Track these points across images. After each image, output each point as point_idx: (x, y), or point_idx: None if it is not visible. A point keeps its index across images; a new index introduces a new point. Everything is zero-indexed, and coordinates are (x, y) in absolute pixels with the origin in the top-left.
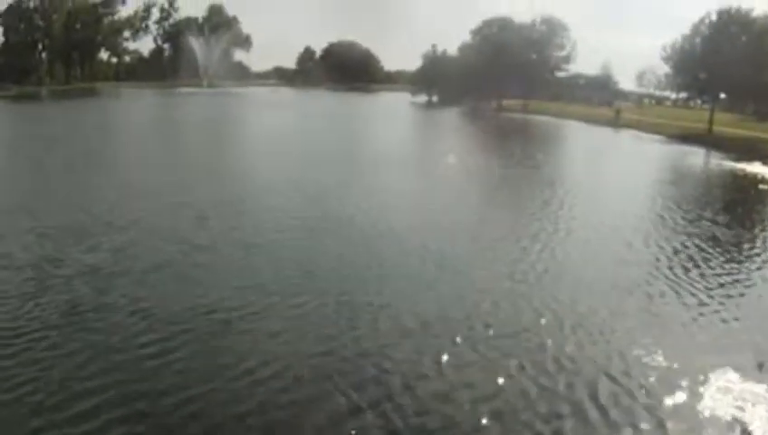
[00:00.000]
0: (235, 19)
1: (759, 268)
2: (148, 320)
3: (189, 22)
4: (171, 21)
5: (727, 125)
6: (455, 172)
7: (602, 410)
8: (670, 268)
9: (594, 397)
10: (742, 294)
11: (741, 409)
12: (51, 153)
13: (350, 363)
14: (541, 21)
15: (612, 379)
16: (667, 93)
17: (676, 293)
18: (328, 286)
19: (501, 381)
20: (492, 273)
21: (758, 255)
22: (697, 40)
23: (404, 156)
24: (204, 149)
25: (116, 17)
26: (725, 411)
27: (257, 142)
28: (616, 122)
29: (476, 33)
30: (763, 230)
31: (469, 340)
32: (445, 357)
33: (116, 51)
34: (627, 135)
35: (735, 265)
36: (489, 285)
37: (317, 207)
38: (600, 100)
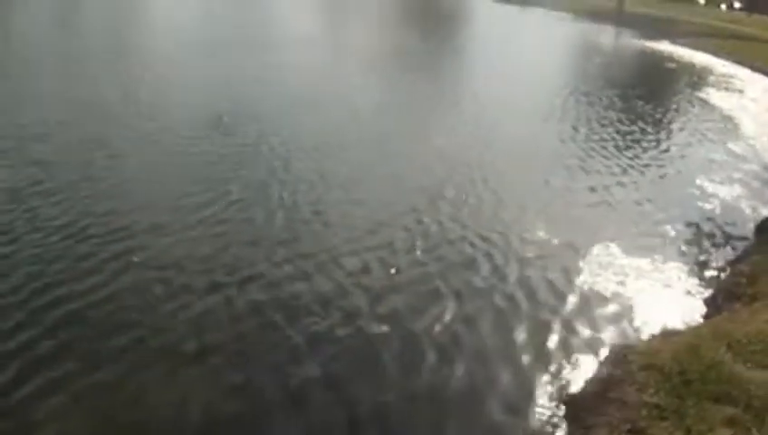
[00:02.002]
0: None
1: (671, 149)
2: None
3: None
4: None
5: (638, 4)
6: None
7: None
8: (578, 144)
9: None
10: (643, 171)
11: (621, 284)
12: None
13: None
14: None
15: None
16: None
17: (583, 168)
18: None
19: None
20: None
21: (670, 134)
22: None
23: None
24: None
25: None
26: (604, 286)
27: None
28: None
29: None
30: (670, 108)
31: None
32: None
33: None
34: (533, 13)
35: (643, 143)
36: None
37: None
38: None
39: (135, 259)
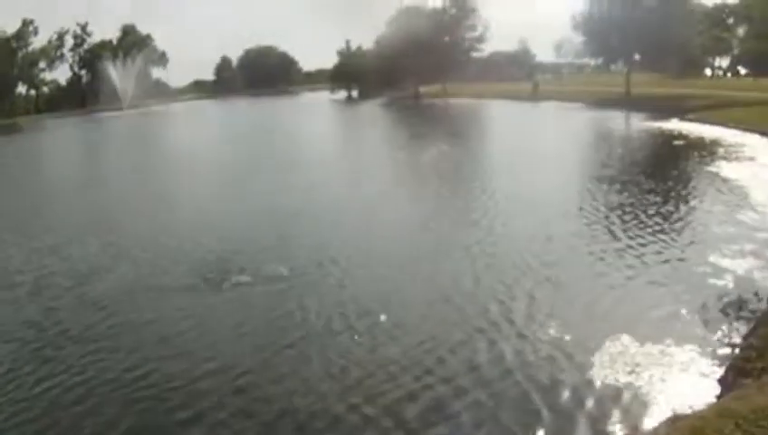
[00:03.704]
0: (148, 37)
1: (680, 224)
2: None
3: (104, 45)
4: (86, 46)
5: (645, 85)
6: (373, 160)
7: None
8: (592, 227)
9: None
10: (660, 253)
11: (631, 373)
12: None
13: None
14: (450, 4)
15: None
16: (586, 61)
17: (600, 250)
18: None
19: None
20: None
21: (679, 211)
22: (604, 4)
23: (326, 153)
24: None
25: (30, 49)
26: (614, 377)
27: (187, 160)
28: (534, 96)
29: (391, 23)
30: (679, 185)
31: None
32: None
33: (33, 83)
34: (546, 106)
35: (655, 222)
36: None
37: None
38: (519, 75)
39: None
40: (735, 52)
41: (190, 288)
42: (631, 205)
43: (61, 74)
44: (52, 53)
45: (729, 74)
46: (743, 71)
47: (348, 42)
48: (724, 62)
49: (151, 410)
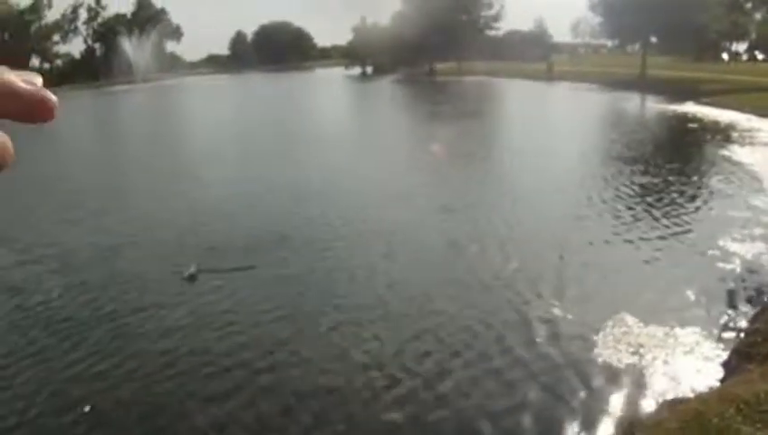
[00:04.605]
0: (163, 11)
1: (690, 207)
2: None
3: (118, 18)
4: (100, 20)
5: (661, 68)
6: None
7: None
8: (601, 207)
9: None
10: (669, 235)
11: (635, 354)
12: None
13: None
14: None
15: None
16: (602, 42)
17: (610, 232)
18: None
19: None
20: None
21: (689, 193)
22: None
23: (340, 130)
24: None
25: (44, 22)
26: (617, 358)
27: (204, 136)
28: (549, 76)
29: (407, 0)
30: (691, 167)
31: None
32: None
33: (47, 56)
34: (561, 87)
35: (666, 204)
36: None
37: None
38: (535, 55)
39: None
40: (753, 37)
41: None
42: (642, 187)
43: (75, 48)
44: (66, 26)
45: (746, 59)
46: (760, 56)
47: (363, 18)
48: (741, 46)
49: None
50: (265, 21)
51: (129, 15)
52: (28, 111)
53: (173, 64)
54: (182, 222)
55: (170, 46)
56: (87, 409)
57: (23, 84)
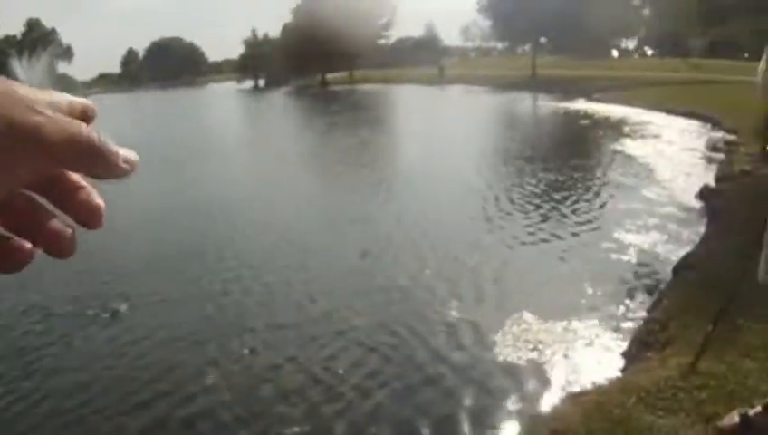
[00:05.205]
0: (53, 31)
1: (586, 202)
2: None
3: (8, 40)
4: None
5: (552, 67)
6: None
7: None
8: (493, 205)
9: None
10: (564, 229)
11: (535, 351)
12: None
13: None
14: None
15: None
16: (492, 44)
17: (498, 229)
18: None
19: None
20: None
21: (585, 188)
22: None
23: (233, 144)
24: None
25: None
26: (516, 356)
27: None
28: (440, 80)
29: (297, 11)
30: (586, 162)
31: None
32: None
33: None
34: (453, 90)
35: (559, 199)
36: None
37: None
38: (426, 60)
39: None
40: (641, 33)
41: None
42: (535, 183)
43: None
44: None
45: (636, 55)
46: (649, 52)
47: (254, 30)
48: (630, 43)
49: None
50: (156, 38)
51: (18, 36)
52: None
53: (65, 85)
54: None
55: (62, 67)
56: None
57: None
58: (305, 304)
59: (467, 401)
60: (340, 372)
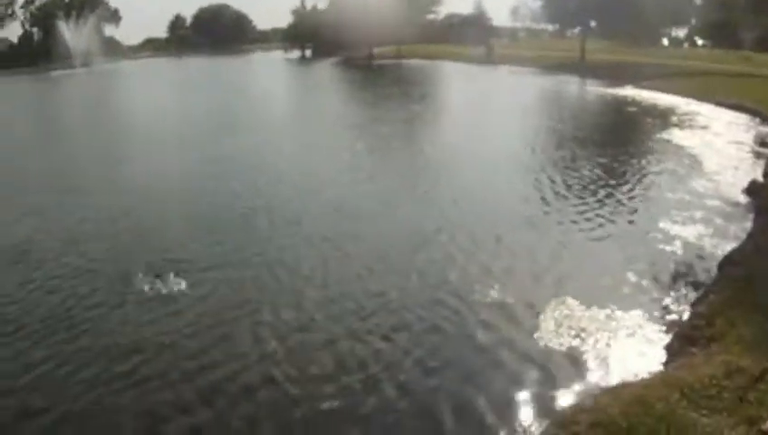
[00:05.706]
0: None
1: (632, 190)
2: None
3: (56, 3)
4: (37, 4)
5: (601, 52)
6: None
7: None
8: (542, 189)
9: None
10: (610, 218)
11: (577, 339)
12: None
13: None
14: None
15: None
16: (542, 26)
17: (547, 215)
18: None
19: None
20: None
21: (632, 176)
22: None
23: (287, 114)
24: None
25: None
26: (558, 343)
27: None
28: (489, 59)
29: None
30: (633, 150)
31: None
32: None
33: None
34: (502, 70)
35: (606, 187)
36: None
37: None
38: (474, 38)
39: None
40: (693, 22)
41: None
42: (582, 170)
43: (12, 33)
44: (2, 11)
45: (686, 45)
46: (700, 42)
47: (303, 1)
48: (681, 32)
49: None
50: (205, 4)
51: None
52: None
53: (111, 48)
54: (115, 216)
55: (108, 30)
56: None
57: None
58: (363, 275)
59: (507, 386)
60: (401, 345)
